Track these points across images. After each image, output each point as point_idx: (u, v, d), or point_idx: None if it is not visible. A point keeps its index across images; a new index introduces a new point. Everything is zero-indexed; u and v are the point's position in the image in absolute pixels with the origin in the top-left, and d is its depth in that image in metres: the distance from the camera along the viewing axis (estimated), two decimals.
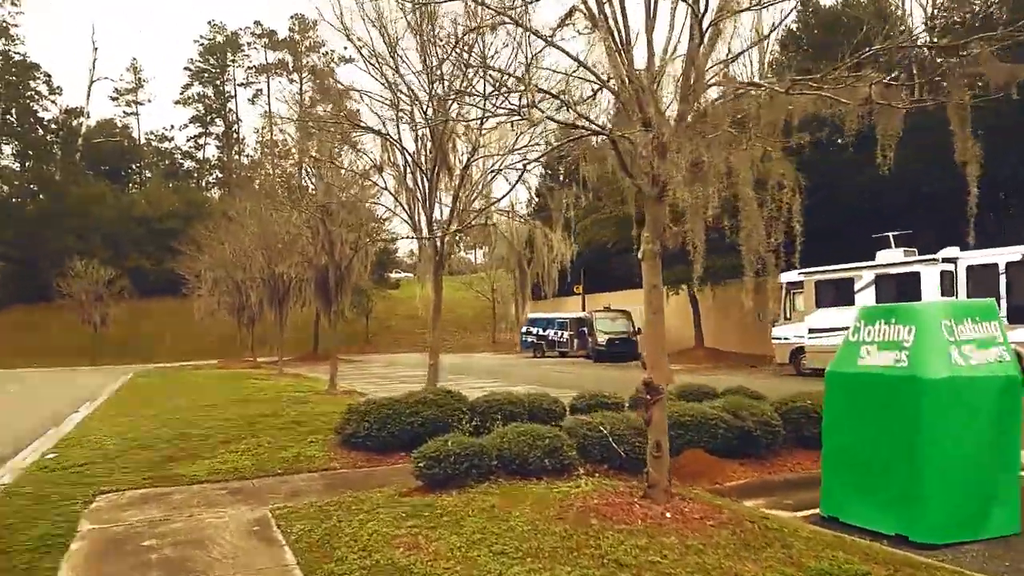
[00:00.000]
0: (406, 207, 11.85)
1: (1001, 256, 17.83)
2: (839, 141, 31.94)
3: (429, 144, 11.33)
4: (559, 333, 42.45)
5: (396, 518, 6.09)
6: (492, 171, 11.34)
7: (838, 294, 21.68)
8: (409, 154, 11.63)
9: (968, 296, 18.51)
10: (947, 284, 18.77)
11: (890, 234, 22.62)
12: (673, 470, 7.74)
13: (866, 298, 20.63)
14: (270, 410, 13.14)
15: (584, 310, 44.18)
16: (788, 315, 24.34)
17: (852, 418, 6.44)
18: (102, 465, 9.54)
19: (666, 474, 5.80)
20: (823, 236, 30.31)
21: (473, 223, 11.57)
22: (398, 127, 11.72)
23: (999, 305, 18.18)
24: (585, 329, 39.60)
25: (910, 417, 5.88)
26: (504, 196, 10.77)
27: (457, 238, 12.01)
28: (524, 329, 44.59)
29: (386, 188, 11.89)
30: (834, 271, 22.01)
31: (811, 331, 22.42)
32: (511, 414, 10.35)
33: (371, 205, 12.12)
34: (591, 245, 35.81)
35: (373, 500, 6.88)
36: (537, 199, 13.44)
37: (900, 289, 19.78)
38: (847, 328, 20.00)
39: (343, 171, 13.30)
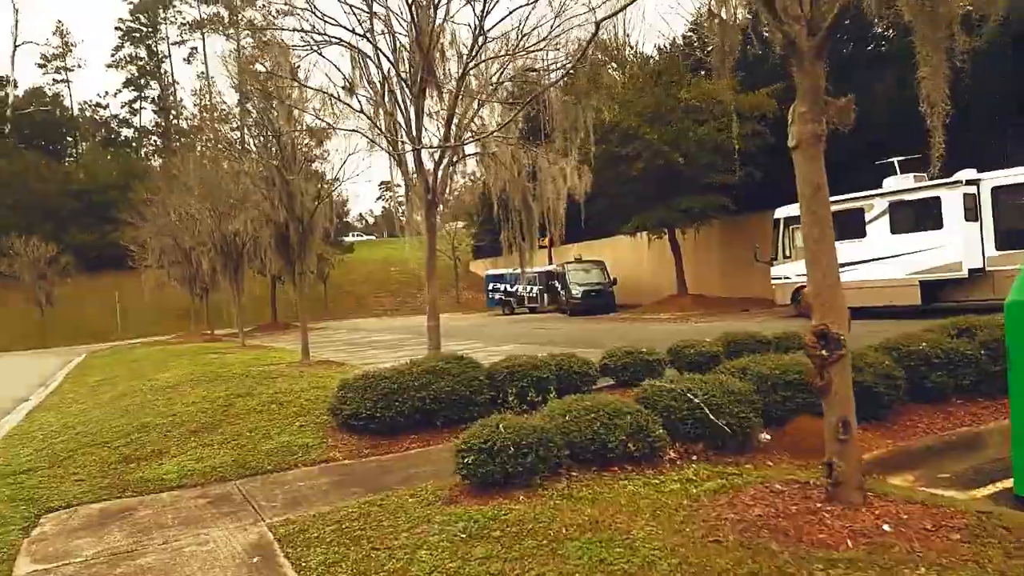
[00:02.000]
0: (387, 133, 9.66)
1: None
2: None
3: (411, 55, 9.15)
4: (528, 288, 40.69)
5: (455, 542, 4.24)
6: (493, 83, 9.25)
7: (847, 226, 20.19)
8: (392, 63, 9.39)
9: (995, 222, 17.27)
10: (971, 208, 17.47)
11: (895, 159, 21.25)
12: (785, 442, 6.06)
13: (879, 229, 19.30)
14: (242, 389, 11.06)
15: (551, 262, 42.47)
16: (788, 252, 22.93)
17: None
18: (48, 471, 7.51)
19: (857, 465, 4.05)
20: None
21: (471, 142, 9.46)
22: (372, 33, 9.45)
23: None
24: (556, 283, 37.93)
25: None
26: (521, 108, 8.56)
27: (451, 171, 9.86)
28: (489, 286, 42.79)
29: (361, 111, 9.67)
30: (842, 201, 20.47)
31: None
32: (537, 381, 8.59)
33: (344, 133, 10.07)
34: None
35: (408, 510, 5.01)
36: (527, 124, 11.61)
37: (919, 217, 18.44)
38: (858, 262, 18.86)
39: (308, 91, 10.96)
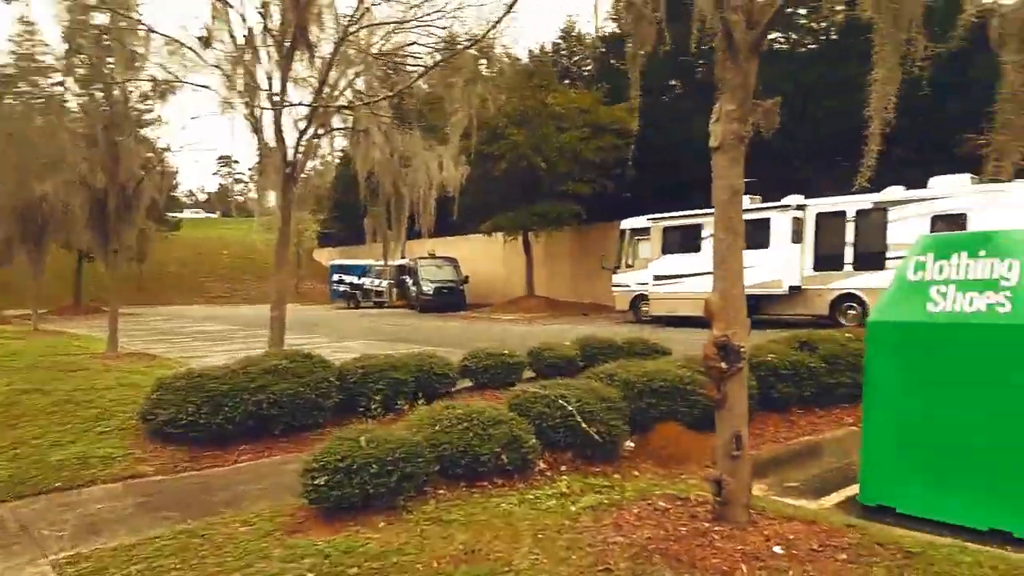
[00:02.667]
0: (245, 93, 8.48)
1: (850, 204, 18.14)
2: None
3: (283, 11, 8.08)
4: (376, 282, 39.41)
5: None
6: (374, 54, 8.40)
7: (684, 241, 21.28)
8: (261, 15, 8.24)
9: (815, 243, 18.77)
10: (797, 230, 18.89)
11: None
12: (649, 449, 5.87)
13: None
14: (29, 383, 9.32)
15: (403, 256, 41.47)
16: (630, 262, 23.74)
17: (919, 384, 4.88)
18: None
19: (747, 483, 3.81)
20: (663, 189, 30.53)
21: (347, 109, 8.52)
22: None
23: (845, 253, 18.94)
24: (408, 278, 37.03)
25: (1015, 378, 4.40)
26: (417, 79, 7.83)
27: (315, 143, 8.87)
28: (334, 277, 41.03)
29: (217, 67, 8.44)
30: (682, 217, 21.54)
31: (655, 278, 21.92)
32: (395, 383, 7.91)
33: (191, 90, 8.71)
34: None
35: (240, 543, 4.17)
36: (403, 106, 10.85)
37: (749, 235, 19.51)
38: (692, 275, 19.87)
39: (154, 39, 9.37)
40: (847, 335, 8.74)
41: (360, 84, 9.49)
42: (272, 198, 10.71)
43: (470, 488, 4.82)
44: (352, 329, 24.18)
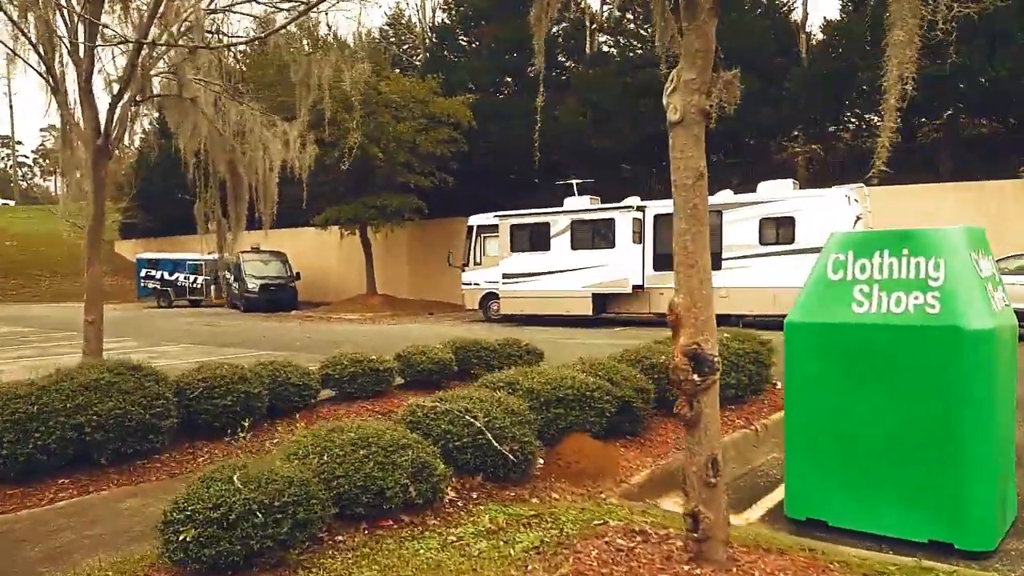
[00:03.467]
0: (39, 42, 6.76)
1: None
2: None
3: None
4: (191, 278, 35.97)
5: None
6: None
7: (534, 239, 21.23)
8: None
9: (654, 246, 19.42)
10: (637, 230, 19.43)
11: (573, 182, 22.98)
12: (559, 465, 5.34)
13: (562, 243, 20.52)
14: None
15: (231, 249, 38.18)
16: (479, 260, 23.34)
17: (844, 389, 4.75)
18: None
19: (725, 514, 3.32)
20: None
21: (188, 51, 7.04)
22: None
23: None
24: (227, 274, 34.09)
25: (949, 384, 4.36)
26: (271, 33, 6.61)
27: (134, 111, 7.33)
28: (143, 273, 36.93)
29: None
30: (530, 215, 21.50)
31: (505, 276, 21.69)
32: (246, 397, 6.76)
33: None
34: None
35: None
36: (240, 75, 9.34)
37: (595, 234, 20.00)
38: (542, 273, 19.90)
39: None
40: (725, 335, 8.78)
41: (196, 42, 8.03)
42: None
43: (374, 530, 3.98)
44: (167, 331, 21.64)
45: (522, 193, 28.02)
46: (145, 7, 6.83)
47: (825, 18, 23.72)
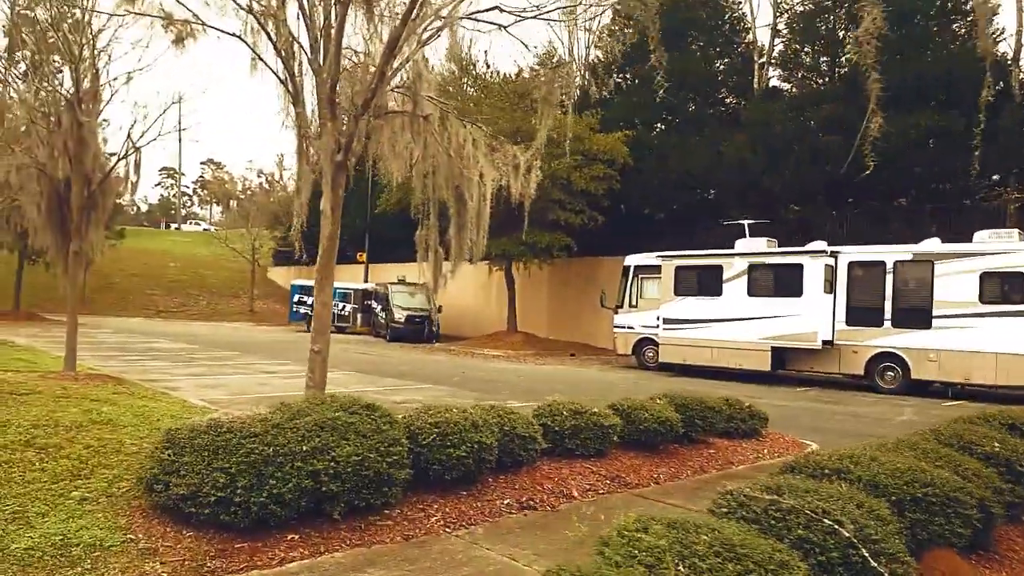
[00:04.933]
0: (282, 52, 6.42)
1: (889, 254, 16.93)
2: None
3: None
4: (340, 306, 36.89)
5: None
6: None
7: (702, 283, 19.74)
8: None
9: (848, 295, 17.49)
10: (829, 279, 17.58)
11: (745, 222, 21.39)
12: None
13: (736, 289, 18.92)
14: None
15: (366, 280, 39.11)
16: (634, 302, 22.09)
17: None
18: None
19: None
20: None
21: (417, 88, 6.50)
22: None
23: (883, 306, 17.69)
24: (373, 303, 34.71)
25: None
26: None
27: (370, 122, 6.77)
28: (295, 298, 38.30)
29: (249, 10, 6.31)
30: (699, 256, 20.07)
31: (666, 322, 20.29)
32: (479, 449, 5.91)
33: (209, 40, 6.70)
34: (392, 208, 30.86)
35: None
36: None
37: (778, 280, 18.27)
38: (711, 320, 18.36)
39: None
40: None
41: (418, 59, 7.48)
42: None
43: None
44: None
45: (673, 233, 26.68)
46: (389, 14, 6.33)
47: None
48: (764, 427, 9.07)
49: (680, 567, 3.04)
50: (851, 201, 25.48)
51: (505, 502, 5.94)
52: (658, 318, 20.69)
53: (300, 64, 6.62)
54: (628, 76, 32.25)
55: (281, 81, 6.64)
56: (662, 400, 8.14)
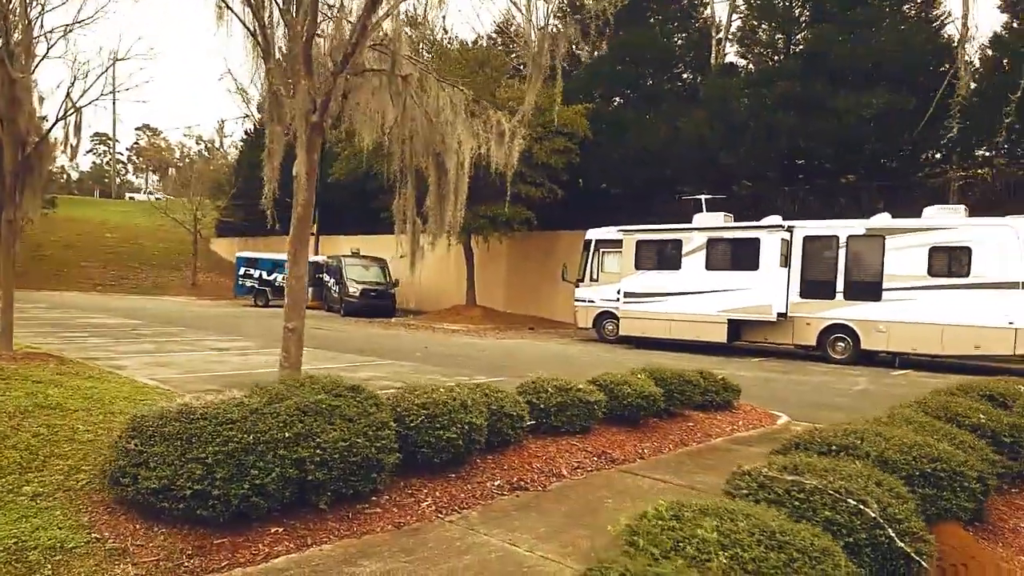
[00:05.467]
0: (251, 1, 5.86)
1: (842, 229, 17.22)
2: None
3: None
4: None
5: None
6: None
7: (662, 257, 19.79)
8: None
9: (802, 268, 17.76)
10: (785, 253, 17.80)
11: (703, 197, 21.53)
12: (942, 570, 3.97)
13: (695, 263, 19.03)
14: None
15: (317, 253, 38.12)
16: (595, 276, 22.03)
17: None
18: None
19: None
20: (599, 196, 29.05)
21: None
22: None
23: (835, 279, 18.03)
24: (325, 276, 33.87)
25: None
26: None
27: (346, 79, 6.28)
28: (241, 271, 37.11)
29: None
30: (660, 231, 20.10)
31: (627, 295, 20.31)
32: (468, 430, 5.67)
33: None
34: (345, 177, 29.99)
35: None
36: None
37: (736, 255, 18.44)
38: (670, 294, 18.45)
39: None
40: None
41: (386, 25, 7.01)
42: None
43: None
44: (277, 333, 21.07)
45: (632, 208, 26.67)
46: None
47: (996, 32, 21.45)
48: (736, 399, 9.06)
49: (722, 557, 2.86)
50: (801, 177, 25.90)
51: (496, 483, 5.72)
52: (618, 292, 20.70)
53: (271, 15, 6.10)
54: (588, 48, 31.91)
55: (251, 33, 6.11)
56: (642, 375, 8.01)
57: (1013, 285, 14.59)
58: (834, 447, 4.44)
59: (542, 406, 6.86)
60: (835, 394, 12.43)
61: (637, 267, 20.20)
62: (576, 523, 4.98)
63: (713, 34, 29.73)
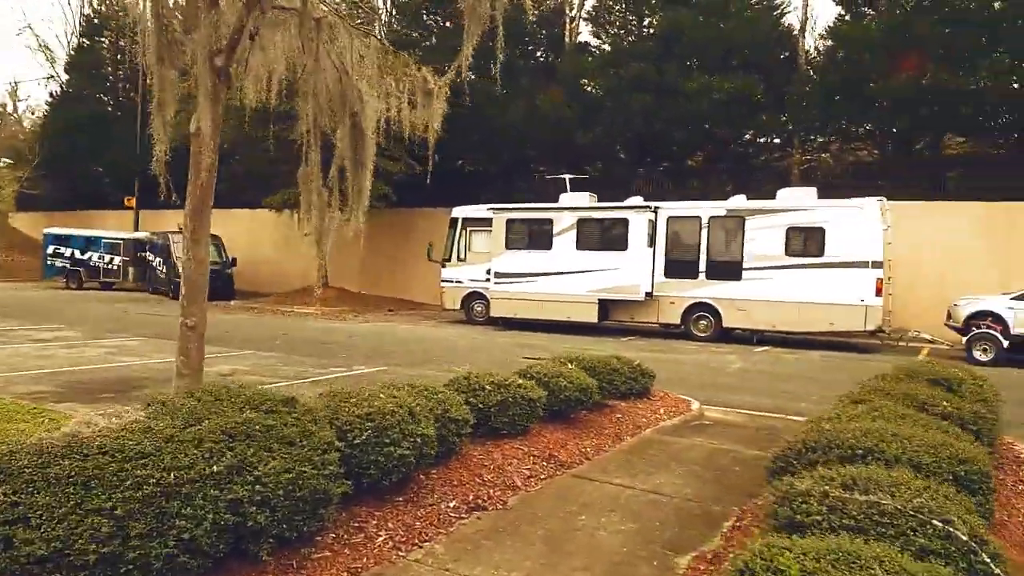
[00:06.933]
0: None
1: (705, 210, 17.78)
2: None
3: None
4: (107, 258, 31.92)
5: None
6: None
7: (533, 236, 19.47)
8: None
9: (667, 248, 18.16)
10: (651, 233, 18.12)
11: (566, 177, 21.48)
12: None
13: (566, 243, 18.91)
14: None
15: (137, 229, 34.14)
16: (463, 256, 21.34)
17: None
18: None
19: None
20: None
21: None
22: None
23: (698, 260, 18.61)
24: (149, 255, 30.42)
25: None
26: None
27: (253, 35, 5.06)
28: (50, 250, 32.49)
29: None
30: (530, 209, 19.76)
31: (497, 275, 19.83)
32: (420, 442, 4.85)
33: None
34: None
35: None
36: None
37: (605, 235, 18.54)
38: (541, 274, 18.30)
39: None
40: None
41: None
42: None
43: None
44: (105, 321, 18.45)
45: (493, 187, 26.22)
46: None
47: (838, 18, 23.06)
48: (652, 384, 8.85)
49: None
50: (650, 161, 26.68)
51: (451, 504, 4.93)
52: (488, 272, 20.18)
53: None
54: (439, 18, 30.78)
55: None
56: (572, 364, 7.51)
57: (863, 264, 15.76)
58: (858, 451, 4.11)
59: (480, 405, 6.11)
60: (716, 374, 12.73)
61: (507, 247, 19.77)
62: (562, 552, 4.33)
63: (567, 11, 29.79)
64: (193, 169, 5.20)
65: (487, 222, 20.34)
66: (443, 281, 21.81)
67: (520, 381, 6.48)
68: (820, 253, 16.38)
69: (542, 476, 5.73)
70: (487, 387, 6.25)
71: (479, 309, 21.01)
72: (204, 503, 3.44)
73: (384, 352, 14.15)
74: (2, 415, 6.18)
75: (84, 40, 44.04)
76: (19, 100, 49.17)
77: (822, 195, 17.46)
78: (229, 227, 30.82)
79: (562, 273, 18.94)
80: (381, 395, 5.02)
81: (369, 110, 5.96)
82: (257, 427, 3.93)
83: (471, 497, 5.09)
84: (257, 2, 4.69)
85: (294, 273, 29.91)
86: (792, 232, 16.86)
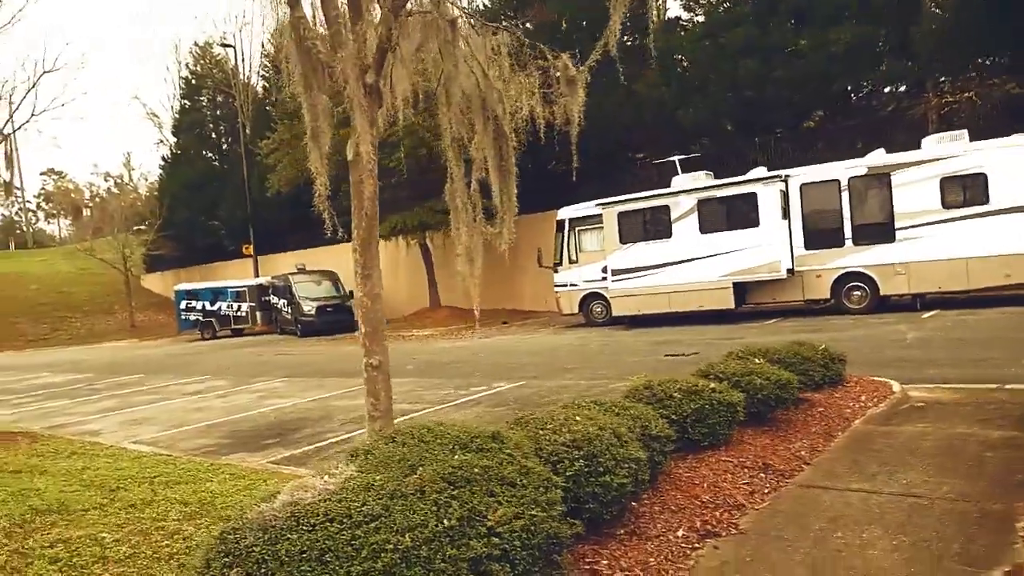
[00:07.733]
0: None
1: (843, 171, 16.37)
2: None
3: None
4: (235, 306, 33.44)
5: None
6: None
7: (649, 226, 18.58)
8: None
9: (803, 218, 16.88)
10: (784, 205, 16.88)
11: (676, 159, 20.40)
12: None
13: (687, 228, 17.89)
14: None
15: (257, 275, 35.66)
16: (574, 257, 20.69)
17: None
18: None
19: None
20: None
21: None
22: None
23: (842, 225, 17.21)
24: (273, 298, 31.56)
25: None
26: None
27: (396, 37, 4.66)
28: (182, 305, 34.39)
29: None
30: (642, 199, 18.85)
31: (615, 273, 19.04)
32: (636, 468, 4.22)
33: None
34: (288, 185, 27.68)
35: None
36: None
37: (731, 213, 17.40)
38: (664, 265, 17.31)
39: None
40: None
41: None
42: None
43: None
44: (246, 365, 19.05)
45: (591, 182, 25.44)
46: None
47: None
48: (844, 370, 7.90)
49: None
50: (762, 130, 25.14)
51: (679, 534, 4.30)
52: (604, 270, 19.44)
53: None
54: (529, 17, 30.31)
55: None
56: (759, 359, 6.73)
57: None
58: None
59: (673, 416, 5.45)
60: (893, 347, 11.47)
61: (622, 241, 18.96)
62: None
63: None
64: (355, 199, 4.89)
65: (596, 219, 19.62)
66: (557, 286, 21.24)
67: (712, 385, 5.78)
68: (984, 200, 14.66)
69: (765, 490, 5.01)
70: (675, 395, 5.60)
71: (599, 310, 20.30)
72: (444, 565, 2.98)
73: (515, 365, 13.72)
74: (185, 475, 6.09)
75: (185, 102, 46.84)
76: (132, 169, 52.58)
77: (973, 138, 15.68)
78: (331, 262, 31.02)
79: (687, 261, 17.95)
80: (577, 417, 4.49)
81: (510, 110, 5.48)
82: (476, 469, 3.46)
83: (697, 523, 4.45)
84: (402, 6, 4.29)
85: (402, 299, 30.18)
86: (947, 182, 15.19)
